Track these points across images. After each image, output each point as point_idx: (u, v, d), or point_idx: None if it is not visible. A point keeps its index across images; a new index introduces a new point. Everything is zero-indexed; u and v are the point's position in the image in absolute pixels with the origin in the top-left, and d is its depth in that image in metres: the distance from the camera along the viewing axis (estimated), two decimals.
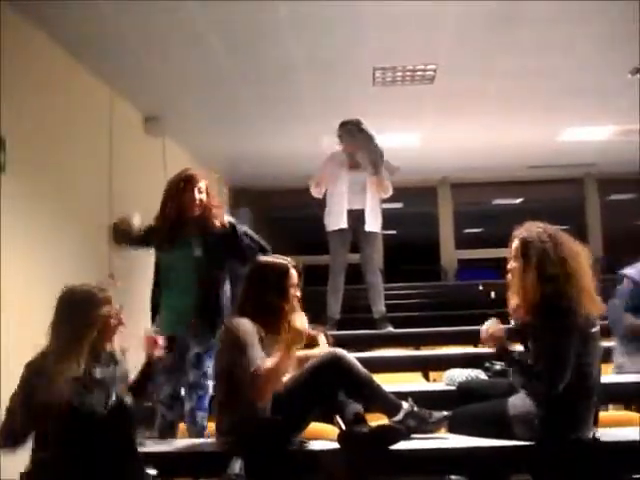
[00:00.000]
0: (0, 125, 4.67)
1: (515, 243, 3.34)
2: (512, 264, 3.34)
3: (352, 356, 3.29)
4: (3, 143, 4.71)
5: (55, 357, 2.89)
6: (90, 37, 5.52)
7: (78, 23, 5.23)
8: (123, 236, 4.26)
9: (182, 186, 4.00)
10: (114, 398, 2.93)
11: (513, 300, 3.33)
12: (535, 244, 3.24)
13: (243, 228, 4.11)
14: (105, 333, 3.03)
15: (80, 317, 2.94)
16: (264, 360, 3.11)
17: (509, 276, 3.37)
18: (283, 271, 3.46)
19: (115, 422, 2.88)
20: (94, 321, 2.96)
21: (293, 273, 3.48)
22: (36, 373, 2.90)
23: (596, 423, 3.19)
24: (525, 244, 3.28)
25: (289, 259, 3.56)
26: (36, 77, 5.26)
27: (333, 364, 3.22)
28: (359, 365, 3.27)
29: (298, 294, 3.48)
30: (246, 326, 3.24)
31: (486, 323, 3.43)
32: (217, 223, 4.01)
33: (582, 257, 3.27)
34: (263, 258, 3.63)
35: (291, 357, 3.14)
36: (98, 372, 2.96)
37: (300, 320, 3.14)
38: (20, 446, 2.96)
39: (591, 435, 3.10)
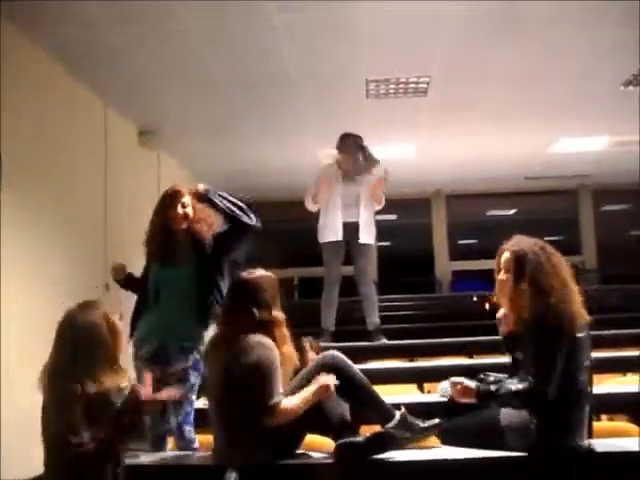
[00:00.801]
0: None
1: (506, 255, 3.36)
2: (503, 276, 3.36)
3: (348, 359, 3.32)
4: None
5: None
6: (85, 52, 5.55)
7: (74, 38, 5.26)
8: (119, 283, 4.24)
9: (167, 202, 4.02)
10: None
11: (502, 311, 3.37)
12: (529, 257, 3.27)
13: (219, 194, 4.05)
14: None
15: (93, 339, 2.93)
16: (284, 395, 3.16)
17: (497, 287, 3.41)
18: (276, 282, 3.48)
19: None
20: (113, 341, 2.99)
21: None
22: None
23: (590, 433, 3.20)
24: (518, 257, 3.30)
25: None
26: (32, 92, 5.29)
27: (328, 363, 3.27)
28: (355, 368, 3.31)
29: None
30: (274, 351, 3.23)
31: (447, 386, 3.52)
32: (206, 236, 4.02)
33: (568, 269, 3.31)
34: (249, 273, 3.60)
35: (311, 402, 3.16)
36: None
37: (326, 379, 3.19)
38: None
39: (585, 444, 3.11)
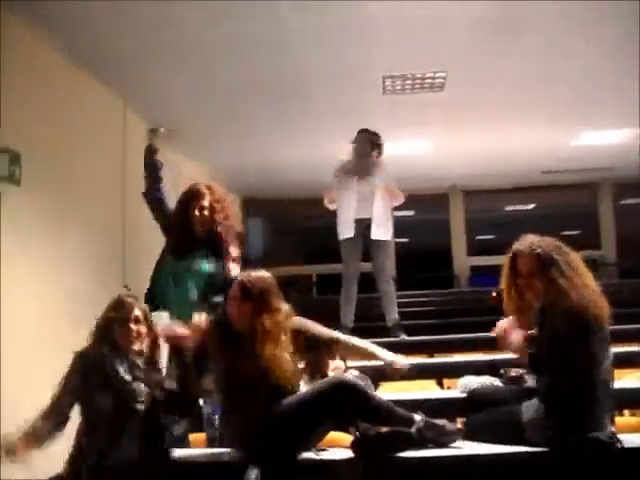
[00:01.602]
0: (15, 140, 4.72)
1: (524, 257, 3.34)
2: (522, 279, 3.35)
3: (358, 381, 3.29)
4: (18, 158, 4.76)
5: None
6: (104, 52, 5.58)
7: (92, 38, 5.29)
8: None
9: (186, 201, 4.05)
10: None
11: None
12: (547, 256, 3.25)
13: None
14: None
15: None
16: None
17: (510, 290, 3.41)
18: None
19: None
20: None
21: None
22: None
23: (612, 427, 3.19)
24: (538, 257, 3.29)
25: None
26: (48, 92, 5.31)
27: (340, 393, 3.19)
28: (366, 391, 3.25)
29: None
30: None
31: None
32: (225, 237, 4.05)
33: (582, 265, 3.29)
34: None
35: None
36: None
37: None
38: None
39: (607, 437, 3.08)
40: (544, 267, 3.25)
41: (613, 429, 3.12)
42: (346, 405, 3.19)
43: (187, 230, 4.03)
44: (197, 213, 4.01)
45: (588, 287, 3.20)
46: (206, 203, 4.04)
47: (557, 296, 3.14)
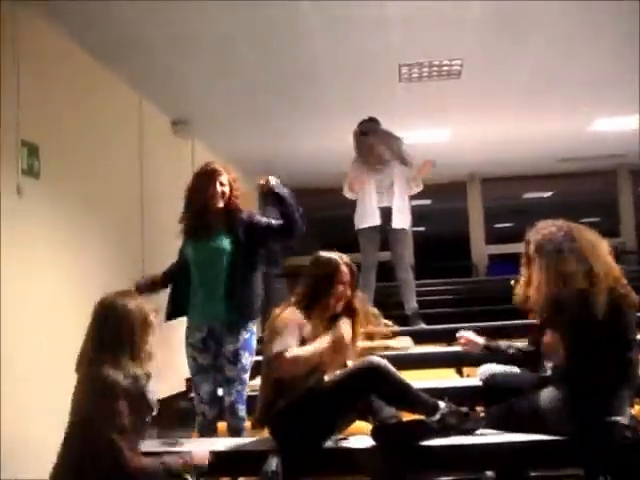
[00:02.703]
0: (33, 133, 4.75)
1: (531, 244, 3.36)
2: (529, 265, 3.36)
3: (388, 363, 3.26)
4: (37, 150, 4.79)
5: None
6: (119, 43, 5.59)
7: (107, 29, 5.29)
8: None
9: (205, 180, 4.03)
10: None
11: (530, 297, 3.36)
12: (549, 244, 3.24)
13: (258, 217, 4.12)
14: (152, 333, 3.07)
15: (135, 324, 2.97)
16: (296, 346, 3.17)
17: (524, 276, 3.42)
18: (333, 266, 3.49)
19: None
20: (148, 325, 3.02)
21: (343, 269, 3.50)
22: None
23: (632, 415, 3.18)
24: (540, 245, 3.29)
25: (344, 256, 3.59)
26: (67, 85, 5.34)
27: (369, 374, 3.20)
28: (395, 372, 3.24)
29: (348, 293, 3.51)
30: (287, 314, 3.32)
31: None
32: (242, 215, 4.05)
33: (601, 248, 3.26)
34: (320, 252, 3.62)
35: (324, 355, 3.18)
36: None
37: (344, 329, 3.25)
38: None
39: (628, 422, 3.07)
40: (543, 254, 3.26)
41: (633, 412, 3.11)
42: (376, 387, 3.20)
43: (205, 206, 4.03)
44: (218, 189, 4.01)
45: (604, 270, 3.17)
46: (225, 180, 4.04)
47: (566, 282, 3.14)
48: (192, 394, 4.11)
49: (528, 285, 3.37)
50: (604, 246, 3.29)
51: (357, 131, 6.29)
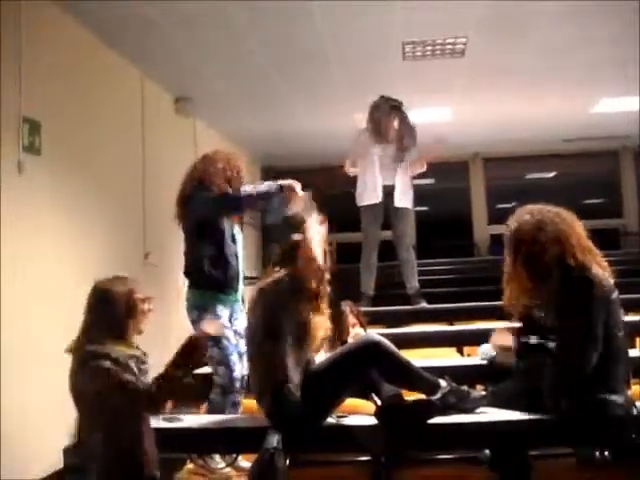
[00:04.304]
0: (35, 110, 4.73)
1: (507, 234, 3.39)
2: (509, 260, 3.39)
3: (388, 341, 3.25)
4: (38, 127, 4.77)
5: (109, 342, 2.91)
6: (120, 20, 5.54)
7: (109, 7, 5.25)
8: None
9: (234, 173, 4.26)
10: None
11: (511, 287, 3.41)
12: (522, 232, 3.26)
13: None
14: (142, 320, 3.04)
15: (119, 305, 2.96)
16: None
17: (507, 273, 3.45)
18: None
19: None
20: (134, 307, 2.99)
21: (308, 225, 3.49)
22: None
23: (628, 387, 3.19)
24: (514, 233, 3.34)
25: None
26: (69, 62, 5.32)
27: (370, 351, 3.19)
28: (395, 350, 3.23)
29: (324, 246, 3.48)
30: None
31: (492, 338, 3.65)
32: None
33: (576, 228, 3.27)
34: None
35: None
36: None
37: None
38: None
39: (623, 401, 3.08)
40: (515, 243, 3.32)
41: (629, 392, 3.12)
42: (377, 364, 3.19)
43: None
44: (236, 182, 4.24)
45: (589, 255, 3.19)
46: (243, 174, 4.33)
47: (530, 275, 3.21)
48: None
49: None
50: (580, 230, 3.29)
51: (379, 103, 6.20)
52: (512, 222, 3.39)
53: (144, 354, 2.98)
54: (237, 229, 4.38)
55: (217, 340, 3.89)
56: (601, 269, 3.18)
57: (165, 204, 4.44)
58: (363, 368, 3.20)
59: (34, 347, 4.47)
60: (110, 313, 2.94)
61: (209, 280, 4.09)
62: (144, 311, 3.03)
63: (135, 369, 2.85)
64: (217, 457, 3.76)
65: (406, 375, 3.24)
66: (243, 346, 3.89)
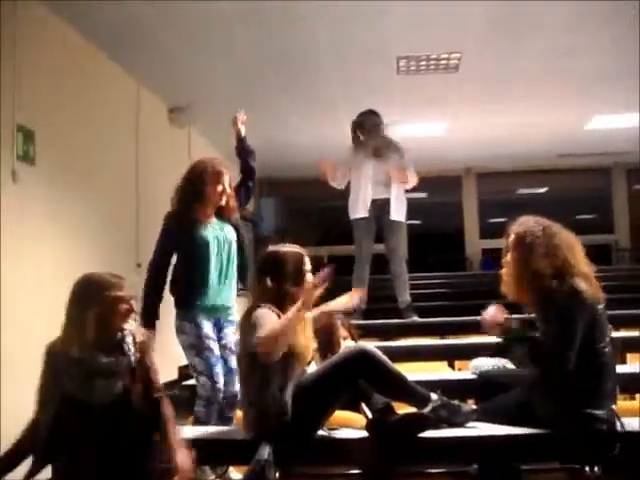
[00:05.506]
0: (29, 118, 4.73)
1: (511, 237, 3.40)
2: (508, 257, 3.40)
3: (379, 351, 3.23)
4: (32, 136, 4.77)
5: (62, 340, 2.88)
6: (116, 29, 5.57)
7: (105, 16, 5.28)
8: None
9: (210, 178, 4.09)
10: (119, 389, 2.82)
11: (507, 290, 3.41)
12: (528, 238, 3.27)
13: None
14: (113, 317, 2.87)
15: (86, 298, 2.85)
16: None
17: (504, 269, 3.44)
18: (299, 258, 3.41)
19: (117, 414, 2.78)
20: (100, 302, 2.83)
21: (307, 260, 3.45)
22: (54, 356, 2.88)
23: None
24: (520, 238, 3.31)
25: (297, 246, 3.50)
26: (63, 71, 5.32)
27: (360, 360, 3.16)
28: (387, 360, 3.21)
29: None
30: (262, 310, 3.18)
31: (487, 310, 3.52)
32: (234, 214, 4.24)
33: (576, 247, 3.30)
34: (276, 247, 3.50)
35: (299, 317, 3.04)
36: (103, 359, 2.82)
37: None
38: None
39: (606, 415, 3.08)
40: (517, 247, 3.33)
41: (613, 407, 3.13)
42: (367, 374, 3.16)
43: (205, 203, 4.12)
44: (220, 189, 4.12)
45: (572, 266, 3.21)
46: (227, 180, 4.16)
47: (529, 279, 3.21)
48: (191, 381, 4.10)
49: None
50: (580, 247, 3.32)
51: (358, 122, 6.24)
52: (521, 225, 3.39)
53: None
54: (227, 229, 4.17)
55: (199, 350, 3.87)
56: (592, 286, 3.19)
57: (158, 214, 4.43)
58: (353, 378, 3.17)
59: (33, 349, 4.45)
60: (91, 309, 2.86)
61: (180, 298, 4.02)
62: (127, 311, 2.92)
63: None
64: (208, 469, 3.74)
65: (396, 386, 3.21)
66: (234, 362, 3.87)
